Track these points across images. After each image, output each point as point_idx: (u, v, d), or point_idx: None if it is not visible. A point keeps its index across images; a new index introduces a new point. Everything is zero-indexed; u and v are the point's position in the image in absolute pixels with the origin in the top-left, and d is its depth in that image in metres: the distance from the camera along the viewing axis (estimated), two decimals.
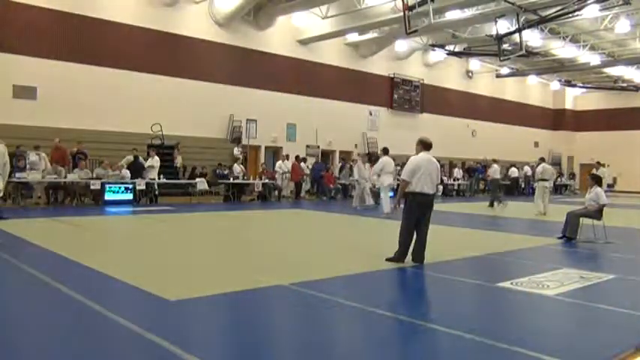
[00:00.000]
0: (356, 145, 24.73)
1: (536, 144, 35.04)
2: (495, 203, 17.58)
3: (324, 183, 20.02)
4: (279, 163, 19.84)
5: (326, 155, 23.69)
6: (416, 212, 6.71)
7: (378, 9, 21.05)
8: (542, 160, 15.87)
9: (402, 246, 6.74)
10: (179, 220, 11.55)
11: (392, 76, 26.17)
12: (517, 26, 18.93)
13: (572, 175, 33.58)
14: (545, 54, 26.92)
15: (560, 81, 33.38)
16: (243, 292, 5.16)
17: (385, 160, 13.58)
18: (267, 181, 18.29)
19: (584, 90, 35.09)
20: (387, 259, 6.74)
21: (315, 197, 20.02)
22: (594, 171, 14.76)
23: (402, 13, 16.95)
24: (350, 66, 24.43)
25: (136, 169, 15.49)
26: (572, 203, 16.42)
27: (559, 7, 18.04)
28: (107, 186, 14.28)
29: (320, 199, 19.66)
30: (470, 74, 30.78)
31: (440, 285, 5.96)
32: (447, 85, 29.29)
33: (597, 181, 9.79)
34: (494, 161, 19.35)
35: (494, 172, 18.45)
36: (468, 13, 20.49)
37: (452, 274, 6.32)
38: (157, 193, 15.91)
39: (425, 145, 6.89)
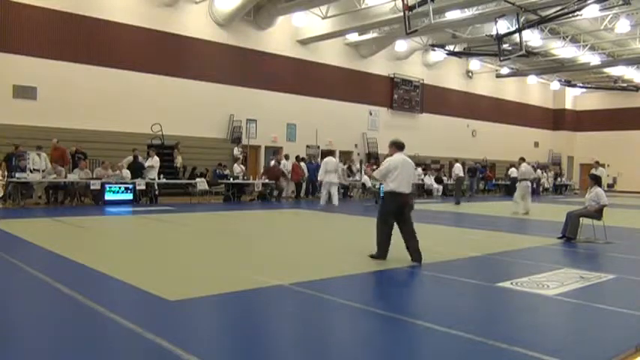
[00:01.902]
0: (356, 145, 24.75)
1: (536, 144, 35.06)
2: (460, 200, 18.69)
3: None
4: (274, 163, 19.71)
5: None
6: (393, 212, 6.85)
7: (378, 9, 21.07)
8: (522, 160, 15.93)
9: (381, 246, 6.86)
10: (179, 220, 11.55)
11: (392, 76, 26.18)
12: (517, 26, 18.93)
13: (559, 175, 33.02)
14: (545, 54, 26.94)
15: (560, 81, 33.37)
16: (244, 292, 5.16)
17: (325, 160, 15.80)
18: (267, 181, 18.24)
19: (584, 90, 35.07)
20: (370, 256, 6.90)
21: (313, 197, 19.97)
22: (593, 170, 14.73)
23: (402, 13, 16.95)
24: (350, 66, 24.43)
25: (136, 169, 15.50)
26: (570, 203, 16.40)
27: (559, 7, 18.03)
28: (107, 186, 14.29)
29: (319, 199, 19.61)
30: (470, 74, 30.78)
31: (440, 285, 5.95)
32: (447, 85, 29.30)
33: (597, 181, 9.80)
34: (456, 160, 20.17)
35: (458, 170, 19.49)
36: (468, 13, 20.50)
37: (451, 274, 6.31)
38: (156, 193, 15.92)
39: (398, 146, 7.10)
